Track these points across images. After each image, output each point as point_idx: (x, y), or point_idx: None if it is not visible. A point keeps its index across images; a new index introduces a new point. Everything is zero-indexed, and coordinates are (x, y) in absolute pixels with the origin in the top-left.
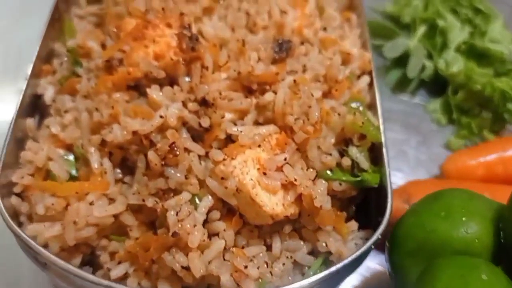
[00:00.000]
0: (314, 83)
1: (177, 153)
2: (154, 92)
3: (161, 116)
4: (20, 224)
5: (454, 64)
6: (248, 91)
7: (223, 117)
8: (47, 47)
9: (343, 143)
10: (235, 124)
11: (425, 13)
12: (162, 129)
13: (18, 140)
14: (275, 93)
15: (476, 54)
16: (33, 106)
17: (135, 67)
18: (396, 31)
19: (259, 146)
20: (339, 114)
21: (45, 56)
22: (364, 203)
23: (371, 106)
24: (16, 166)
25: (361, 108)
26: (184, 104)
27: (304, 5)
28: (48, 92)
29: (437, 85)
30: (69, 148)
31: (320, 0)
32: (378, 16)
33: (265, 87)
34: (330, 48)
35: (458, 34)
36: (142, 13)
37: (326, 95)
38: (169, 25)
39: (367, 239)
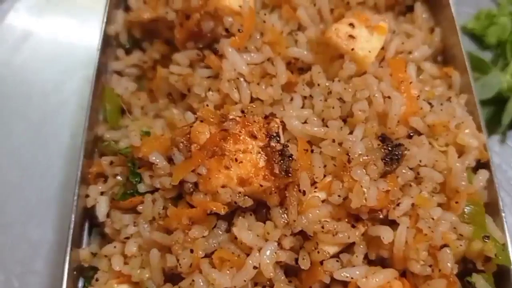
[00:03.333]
0: (431, 195)
1: None
2: (243, 234)
3: (254, 267)
4: None
5: None
6: (355, 219)
7: (326, 257)
8: (92, 134)
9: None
10: (339, 258)
11: None
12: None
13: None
14: (390, 222)
15: None
16: (83, 217)
17: (215, 195)
18: (485, 63)
19: None
20: (461, 235)
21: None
22: None
23: (490, 206)
24: None
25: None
26: (279, 242)
27: (408, 81)
28: (101, 207)
29: None
30: (135, 284)
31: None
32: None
33: (376, 214)
34: (441, 136)
35: None
36: (218, 118)
37: (441, 204)
38: (253, 135)
39: None
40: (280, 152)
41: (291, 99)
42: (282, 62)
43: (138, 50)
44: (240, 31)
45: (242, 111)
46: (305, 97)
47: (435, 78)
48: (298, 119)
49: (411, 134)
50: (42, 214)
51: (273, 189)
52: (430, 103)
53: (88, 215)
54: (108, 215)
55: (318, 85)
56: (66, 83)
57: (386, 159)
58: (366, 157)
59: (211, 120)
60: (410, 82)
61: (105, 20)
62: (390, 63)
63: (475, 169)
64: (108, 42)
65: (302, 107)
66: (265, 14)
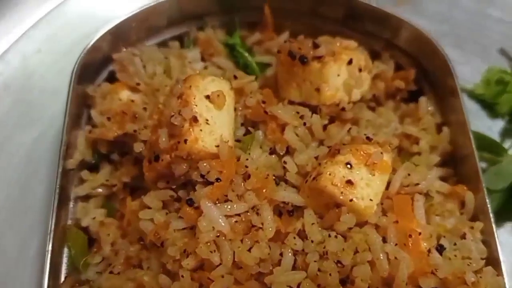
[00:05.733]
0: None
1: None
2: None
3: None
4: None
5: None
6: None
7: None
8: None
9: None
10: None
11: None
12: None
13: None
14: None
15: None
16: None
17: None
18: (498, 146)
19: None
20: None
21: None
22: None
23: None
24: None
25: None
26: None
27: (416, 233)
28: None
29: None
30: None
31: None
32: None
33: None
34: None
35: None
36: None
37: None
38: None
39: None
40: None
41: (281, 254)
42: (269, 210)
43: (106, 163)
44: (219, 180)
45: None
46: (296, 251)
47: (446, 197)
48: (290, 284)
49: None
50: None
51: None
52: (441, 246)
53: None
54: None
55: (312, 241)
56: None
57: None
58: None
59: None
60: (419, 233)
61: (62, 154)
62: (395, 204)
63: None
64: (68, 172)
65: (294, 265)
66: (247, 159)
